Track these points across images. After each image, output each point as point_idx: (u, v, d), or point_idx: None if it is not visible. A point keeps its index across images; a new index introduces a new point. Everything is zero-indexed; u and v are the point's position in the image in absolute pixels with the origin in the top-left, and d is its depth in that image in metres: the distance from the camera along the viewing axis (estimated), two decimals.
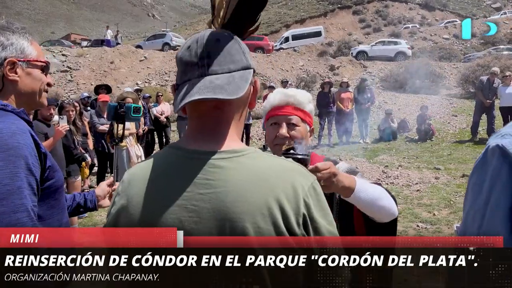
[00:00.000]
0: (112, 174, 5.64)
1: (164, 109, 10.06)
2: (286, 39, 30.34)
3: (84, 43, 30.39)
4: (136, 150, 6.38)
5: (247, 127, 10.58)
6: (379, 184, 1.59)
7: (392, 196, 1.51)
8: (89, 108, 8.42)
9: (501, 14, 36.67)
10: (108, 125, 6.74)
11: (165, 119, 9.94)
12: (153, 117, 9.61)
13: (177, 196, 0.89)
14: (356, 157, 9.15)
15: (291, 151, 1.34)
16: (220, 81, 0.90)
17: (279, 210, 0.86)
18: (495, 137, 0.60)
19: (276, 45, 29.16)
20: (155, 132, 9.99)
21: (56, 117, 5.34)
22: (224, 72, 0.92)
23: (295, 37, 30.11)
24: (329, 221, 0.93)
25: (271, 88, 11.36)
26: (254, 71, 0.99)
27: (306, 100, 1.67)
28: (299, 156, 1.30)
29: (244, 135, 10.59)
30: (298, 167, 0.96)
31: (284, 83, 11.78)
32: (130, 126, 6.48)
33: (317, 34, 30.52)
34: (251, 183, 0.88)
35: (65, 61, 19.10)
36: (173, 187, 0.90)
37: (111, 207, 0.99)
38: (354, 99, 10.96)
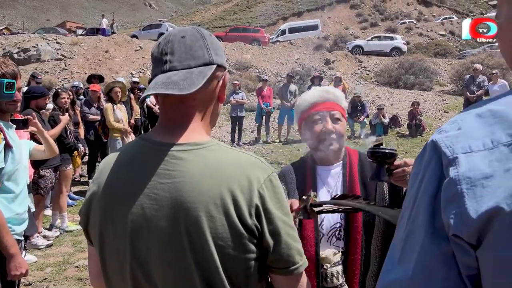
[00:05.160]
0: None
1: None
2: (283, 32, 30.21)
3: (79, 32, 30.15)
4: (131, 140, 6.41)
5: (239, 120, 10.59)
6: None
7: None
8: (82, 97, 8.43)
9: None
10: (99, 115, 6.80)
11: (158, 110, 9.84)
12: (146, 109, 9.58)
13: (141, 185, 0.95)
14: None
15: (381, 147, 1.34)
16: (177, 77, 0.95)
17: (231, 200, 0.91)
18: (436, 132, 0.67)
19: (272, 38, 29.08)
20: (149, 125, 9.97)
21: (49, 105, 5.38)
22: (184, 68, 0.97)
23: (292, 30, 29.97)
24: (284, 212, 0.97)
25: (265, 81, 11.35)
26: (223, 67, 1.04)
27: (342, 97, 1.67)
28: (388, 151, 1.32)
29: (237, 128, 10.63)
30: (256, 161, 0.99)
31: (289, 77, 11.59)
32: (122, 115, 6.51)
33: (314, 27, 30.37)
34: (207, 175, 0.92)
35: (60, 49, 18.97)
36: (139, 176, 0.97)
37: (87, 193, 1.07)
38: (348, 114, 10.86)
